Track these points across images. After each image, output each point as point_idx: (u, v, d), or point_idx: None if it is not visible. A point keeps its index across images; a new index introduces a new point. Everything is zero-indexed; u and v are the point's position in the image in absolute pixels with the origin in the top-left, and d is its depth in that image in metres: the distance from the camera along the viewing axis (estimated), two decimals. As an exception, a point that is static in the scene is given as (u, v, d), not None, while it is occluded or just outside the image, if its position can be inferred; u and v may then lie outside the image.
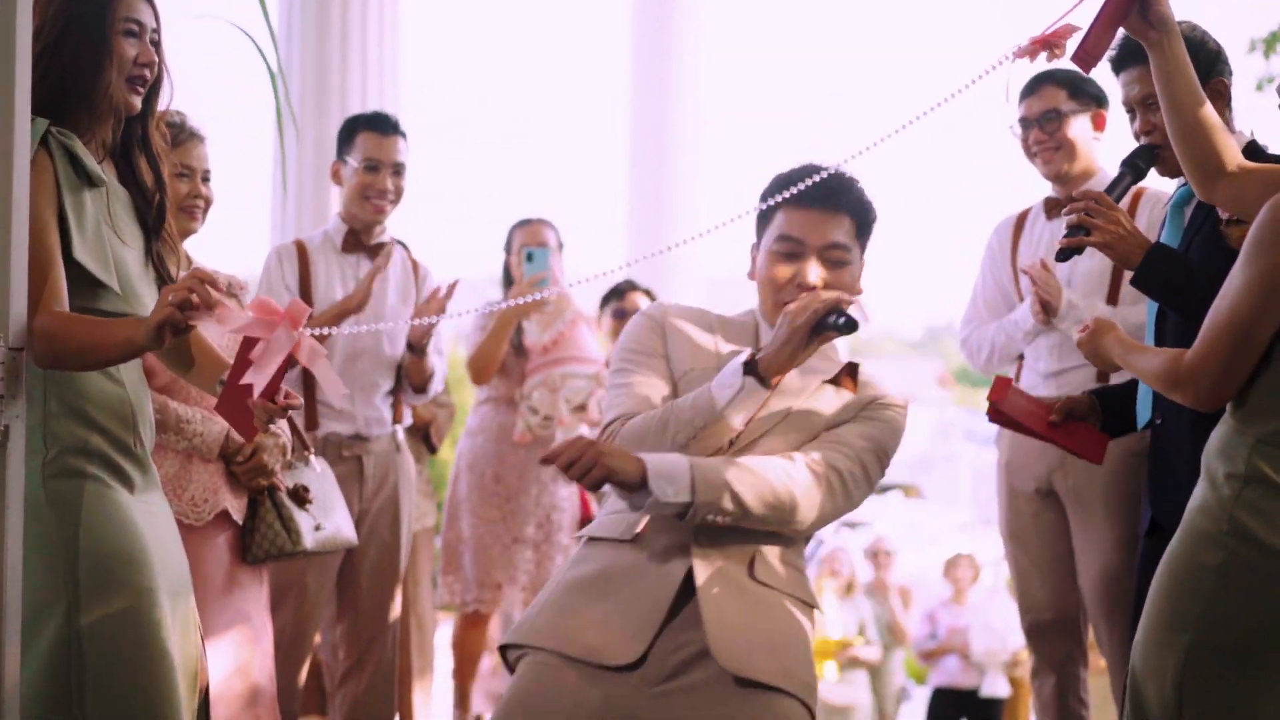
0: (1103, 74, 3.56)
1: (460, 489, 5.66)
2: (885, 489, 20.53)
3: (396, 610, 4.88)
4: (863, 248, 3.26)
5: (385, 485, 4.84)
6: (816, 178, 3.13)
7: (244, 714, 3.78)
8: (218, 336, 3.75)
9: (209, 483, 3.75)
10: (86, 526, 2.69)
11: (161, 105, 2.96)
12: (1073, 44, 3.00)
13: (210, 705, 3.02)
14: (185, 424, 3.68)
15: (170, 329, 2.55)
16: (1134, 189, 3.99)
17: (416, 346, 4.83)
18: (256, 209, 6.59)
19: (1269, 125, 3.45)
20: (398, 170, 4.85)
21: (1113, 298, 4.36)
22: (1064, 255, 3.53)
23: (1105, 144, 4.53)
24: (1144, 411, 3.58)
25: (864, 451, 3.15)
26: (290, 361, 2.79)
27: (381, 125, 4.86)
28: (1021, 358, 4.56)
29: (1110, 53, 3.60)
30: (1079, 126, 4.45)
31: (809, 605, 3.13)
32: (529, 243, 5.65)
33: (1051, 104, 4.44)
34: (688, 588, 3.01)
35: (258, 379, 2.69)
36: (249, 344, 2.80)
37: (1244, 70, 7.92)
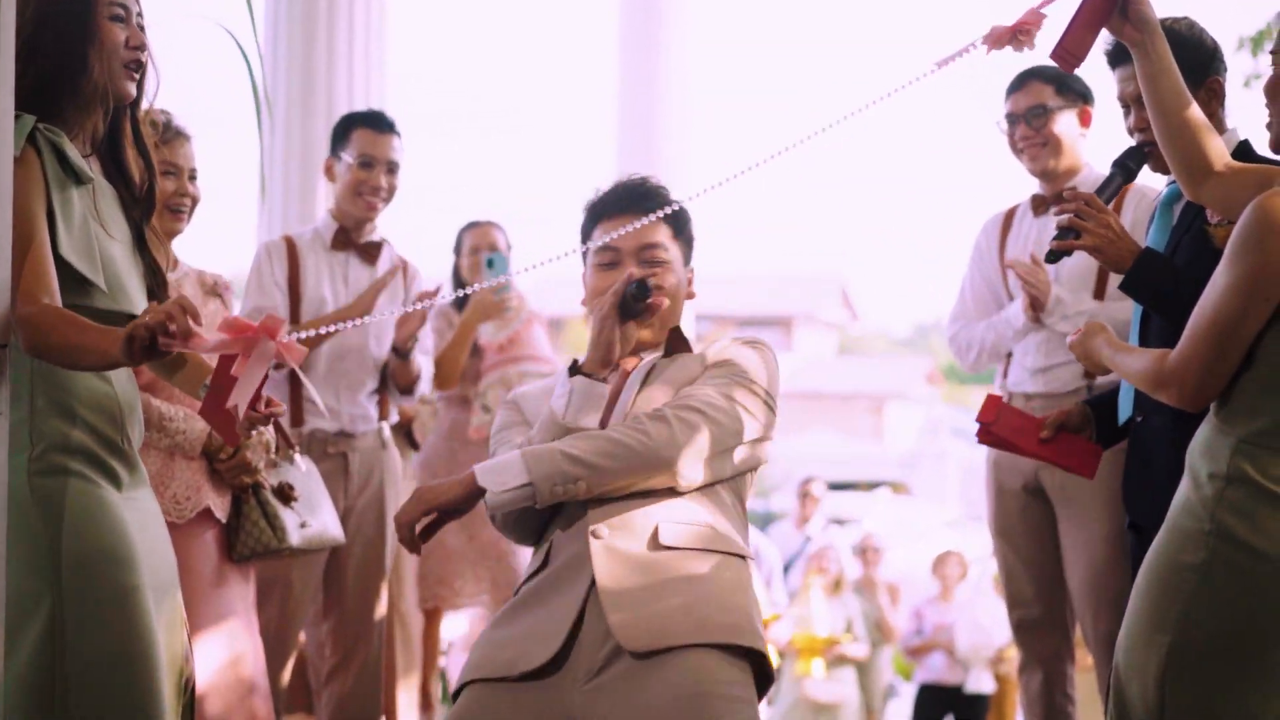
0: (1089, 70, 3.55)
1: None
2: (873, 485, 20.55)
3: (382, 608, 4.87)
4: (685, 247, 3.30)
5: (371, 482, 4.83)
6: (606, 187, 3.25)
7: (239, 706, 3.78)
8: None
9: (191, 480, 3.74)
10: (70, 524, 2.69)
11: (148, 97, 2.94)
12: (1044, 37, 2.99)
13: (199, 700, 3.01)
14: (168, 422, 3.67)
15: (141, 349, 2.53)
16: (1120, 184, 4.00)
17: (401, 350, 4.82)
18: (242, 207, 6.59)
19: (1256, 122, 3.44)
20: (392, 168, 4.84)
21: (1099, 293, 4.36)
22: (1054, 257, 3.53)
23: (1091, 140, 4.54)
24: (1125, 409, 3.58)
25: (715, 382, 3.10)
26: (276, 365, 2.79)
27: (377, 123, 4.86)
28: (1009, 354, 4.56)
29: (1106, 47, 3.60)
30: (1065, 122, 4.46)
31: (732, 555, 3.04)
32: (479, 244, 5.69)
33: (1038, 100, 4.45)
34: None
35: (241, 397, 2.67)
36: (223, 362, 2.81)
37: (1232, 67, 7.92)
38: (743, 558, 3.08)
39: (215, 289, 4.04)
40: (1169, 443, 3.16)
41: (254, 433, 3.81)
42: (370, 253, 4.89)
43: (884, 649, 10.20)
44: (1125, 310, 4.03)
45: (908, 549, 13.31)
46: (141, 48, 2.86)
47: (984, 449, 4.71)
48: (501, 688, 2.93)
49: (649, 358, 3.22)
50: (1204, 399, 2.72)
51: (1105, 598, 4.29)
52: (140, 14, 2.88)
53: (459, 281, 5.74)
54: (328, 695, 4.84)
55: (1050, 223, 4.44)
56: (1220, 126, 3.58)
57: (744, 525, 3.18)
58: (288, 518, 3.91)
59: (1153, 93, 3.00)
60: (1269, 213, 2.63)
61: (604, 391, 3.10)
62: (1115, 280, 3.72)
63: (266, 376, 2.75)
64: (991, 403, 3.54)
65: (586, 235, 3.29)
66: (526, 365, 5.63)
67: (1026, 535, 4.54)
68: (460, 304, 5.58)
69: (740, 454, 3.11)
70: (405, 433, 5.42)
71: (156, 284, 2.94)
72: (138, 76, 2.87)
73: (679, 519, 3.03)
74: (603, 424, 3.10)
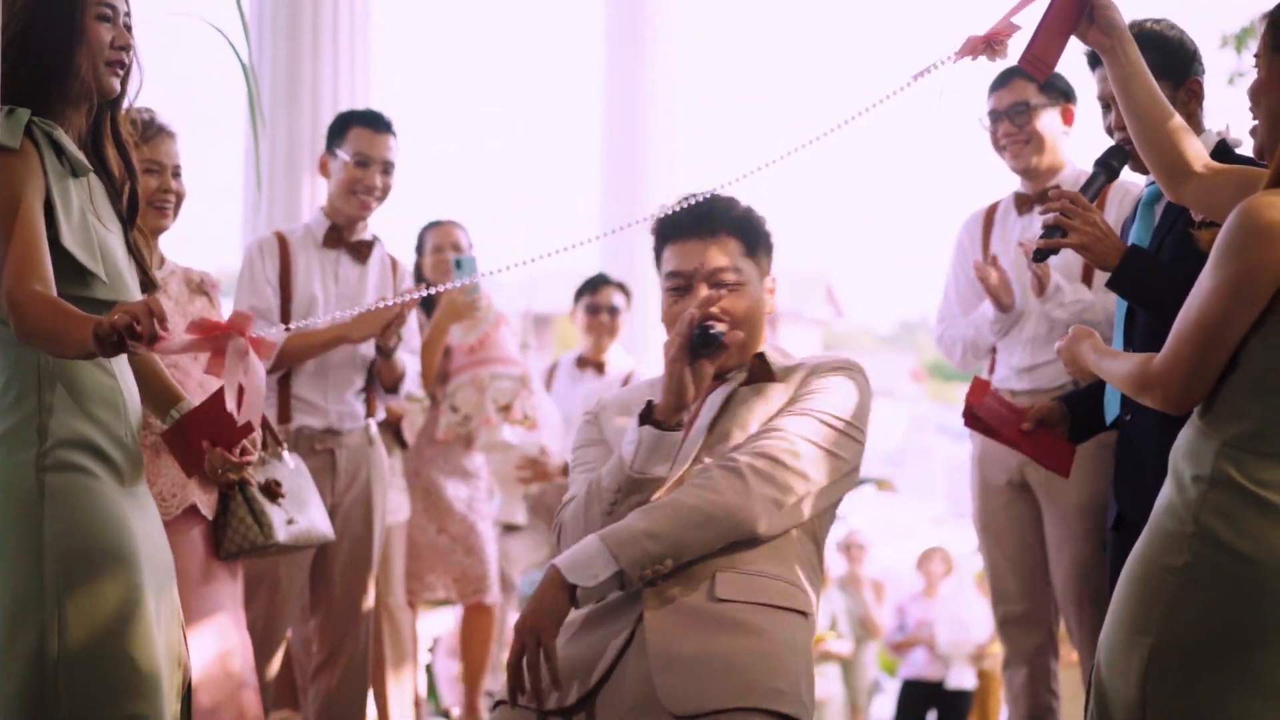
0: (1072, 69, 3.57)
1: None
2: (859, 482, 20.53)
3: (369, 604, 4.88)
4: (762, 264, 3.14)
5: (358, 479, 4.83)
6: (676, 205, 3.07)
7: (227, 702, 3.79)
8: (196, 375, 3.76)
9: (177, 477, 3.75)
10: (77, 520, 2.70)
11: (130, 96, 2.96)
12: (1015, 43, 3.00)
13: (193, 694, 3.02)
14: (154, 418, 3.67)
15: (110, 345, 2.52)
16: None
17: (384, 350, 4.81)
18: (227, 205, 6.57)
19: (1239, 120, 3.46)
20: (387, 168, 4.85)
21: (1087, 279, 4.38)
22: (1041, 256, 3.54)
23: (1074, 138, 4.56)
24: (1112, 407, 3.59)
25: (795, 425, 2.97)
26: (242, 436, 2.84)
27: (375, 122, 4.86)
28: (995, 351, 4.58)
29: (1085, 49, 3.61)
30: (1048, 120, 4.48)
31: (792, 610, 2.93)
32: (442, 243, 5.69)
33: (1020, 97, 4.46)
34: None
35: (230, 397, 2.69)
36: (211, 404, 2.89)
37: (1215, 65, 7.95)
38: (804, 614, 2.97)
39: (202, 287, 4.05)
40: (1158, 441, 3.17)
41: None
42: (362, 251, 4.89)
43: (868, 645, 10.22)
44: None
45: (892, 545, 13.33)
46: (126, 48, 2.88)
47: (968, 446, 4.74)
48: (531, 714, 2.87)
49: (728, 385, 3.08)
50: (1189, 402, 2.72)
51: (1090, 594, 4.30)
52: (128, 14, 2.90)
53: (422, 280, 5.72)
54: (314, 691, 4.85)
55: (1034, 221, 4.46)
56: (1198, 127, 3.60)
57: (816, 568, 3.06)
58: (274, 515, 3.92)
59: (1126, 96, 3.01)
60: (1255, 216, 2.62)
61: (675, 440, 2.94)
62: (1102, 276, 3.73)
63: (243, 436, 2.77)
64: (979, 386, 3.56)
65: (657, 256, 3.17)
66: (496, 367, 5.61)
67: (1011, 531, 4.55)
68: (427, 304, 5.58)
69: (821, 498, 3.01)
70: (394, 431, 5.42)
71: (146, 279, 2.96)
72: (121, 74, 2.89)
73: (741, 567, 2.93)
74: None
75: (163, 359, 3.17)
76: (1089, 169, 3.74)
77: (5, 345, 2.73)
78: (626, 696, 2.83)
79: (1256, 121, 2.81)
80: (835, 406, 3.02)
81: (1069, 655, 5.63)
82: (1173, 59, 3.57)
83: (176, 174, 3.92)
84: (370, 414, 4.91)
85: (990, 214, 4.66)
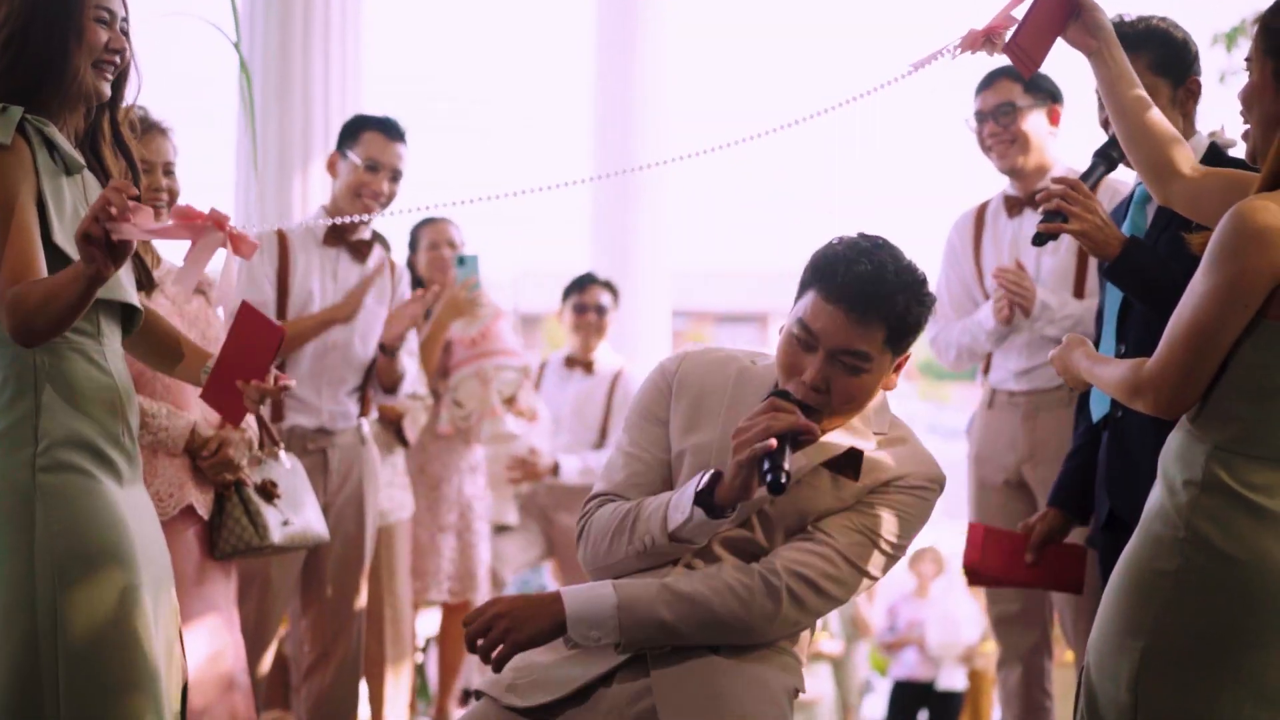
0: (1059, 70, 3.57)
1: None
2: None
3: (361, 603, 4.88)
4: (900, 349, 2.84)
5: (350, 479, 4.84)
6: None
7: (220, 702, 3.78)
8: (202, 328, 3.76)
9: (174, 477, 3.74)
10: (73, 520, 2.70)
11: (127, 99, 2.96)
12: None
13: (188, 694, 3.02)
14: (151, 418, 3.67)
15: (94, 243, 2.48)
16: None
17: (389, 348, 4.83)
18: (219, 202, 6.56)
19: (1229, 118, 3.46)
20: (395, 176, 4.86)
21: (1079, 292, 4.38)
22: (1040, 240, 3.52)
23: (1060, 139, 4.56)
24: (1101, 405, 3.59)
25: (848, 546, 2.84)
26: (276, 350, 2.89)
27: (389, 129, 4.87)
28: (990, 355, 4.58)
29: None
30: (1034, 121, 4.48)
31: (785, 653, 2.92)
32: (438, 240, 5.70)
33: (1007, 98, 4.47)
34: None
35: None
36: (236, 333, 2.90)
37: (1206, 63, 7.96)
38: (798, 660, 2.96)
39: (199, 285, 4.03)
40: (1152, 436, 3.16)
41: (236, 431, 3.81)
42: (361, 250, 4.90)
43: (860, 645, 10.23)
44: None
45: (884, 545, 13.32)
46: (121, 51, 2.87)
47: (961, 446, 4.73)
48: (511, 714, 2.82)
49: (807, 458, 2.84)
50: (1182, 406, 2.71)
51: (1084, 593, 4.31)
52: (126, 19, 2.89)
53: (416, 277, 5.73)
54: (306, 691, 4.85)
55: (1025, 223, 4.47)
56: (1193, 126, 3.61)
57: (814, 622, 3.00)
58: (270, 515, 3.91)
59: (1113, 98, 3.01)
60: (1248, 220, 2.61)
61: (723, 525, 2.81)
62: (1094, 280, 3.73)
63: (274, 350, 2.83)
64: (974, 540, 3.52)
65: (802, 288, 2.86)
66: (499, 359, 5.64)
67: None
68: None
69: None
70: (395, 429, 5.42)
71: (144, 276, 2.95)
72: (111, 77, 2.88)
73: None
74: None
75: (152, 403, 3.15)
76: (1077, 169, 3.74)
77: (1, 346, 2.72)
78: (623, 705, 2.81)
79: (1248, 125, 2.81)
80: (896, 531, 2.87)
81: (1063, 654, 5.64)
82: (1176, 57, 3.58)
83: (169, 171, 3.91)
84: (363, 414, 4.91)
85: (980, 215, 4.66)
